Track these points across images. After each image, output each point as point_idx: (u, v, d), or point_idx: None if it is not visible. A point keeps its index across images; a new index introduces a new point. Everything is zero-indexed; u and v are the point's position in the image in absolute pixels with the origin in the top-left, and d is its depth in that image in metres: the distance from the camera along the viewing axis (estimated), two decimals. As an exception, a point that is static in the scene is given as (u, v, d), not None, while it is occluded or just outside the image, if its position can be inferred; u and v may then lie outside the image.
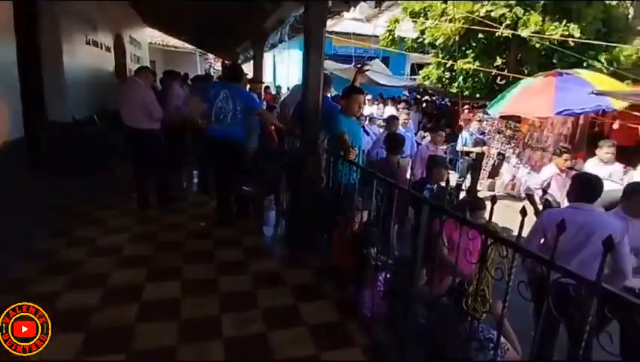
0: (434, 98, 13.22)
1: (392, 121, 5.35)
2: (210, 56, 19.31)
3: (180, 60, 16.12)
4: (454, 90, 9.53)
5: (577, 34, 7.20)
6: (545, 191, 4.50)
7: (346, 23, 16.45)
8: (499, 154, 7.76)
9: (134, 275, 2.90)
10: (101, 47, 7.06)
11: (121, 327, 2.28)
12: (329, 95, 4.46)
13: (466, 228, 1.62)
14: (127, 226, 3.84)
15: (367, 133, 6.21)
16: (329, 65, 13.03)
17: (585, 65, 7.57)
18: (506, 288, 1.34)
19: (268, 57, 18.82)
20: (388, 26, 9.92)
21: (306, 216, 3.42)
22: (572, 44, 7.31)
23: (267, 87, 11.18)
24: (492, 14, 7.56)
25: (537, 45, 7.65)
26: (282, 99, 7.00)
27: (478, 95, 9.35)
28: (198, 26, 7.77)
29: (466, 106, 9.84)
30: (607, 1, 7.93)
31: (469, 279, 1.70)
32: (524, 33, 7.39)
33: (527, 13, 7.42)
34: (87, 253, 3.23)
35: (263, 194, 4.50)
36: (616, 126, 6.03)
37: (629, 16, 8.25)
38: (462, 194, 5.95)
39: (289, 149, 4.15)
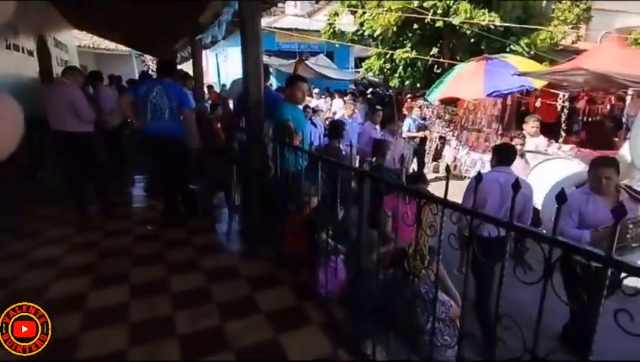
0: (378, 89, 13.65)
1: (374, 112, 5.76)
2: (148, 57, 18.35)
3: (115, 63, 15.16)
4: (396, 80, 9.92)
5: (498, 21, 7.82)
6: None
7: (288, 18, 16.48)
8: (440, 137, 8.22)
9: (75, 285, 2.72)
10: (23, 51, 6.47)
11: (61, 339, 2.13)
12: (270, 85, 4.47)
13: (403, 194, 1.73)
14: (66, 236, 3.59)
15: (315, 125, 6.31)
16: (274, 61, 13.02)
17: (508, 49, 8.26)
18: (438, 241, 1.44)
19: (210, 56, 18.34)
20: (328, 20, 10.08)
21: (257, 207, 3.40)
22: (494, 28, 7.92)
23: (211, 87, 10.88)
24: (425, 4, 7.97)
25: (467, 32, 8.20)
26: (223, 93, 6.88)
27: (418, 84, 9.81)
28: (129, 25, 7.35)
29: (409, 95, 10.30)
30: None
31: (410, 243, 1.80)
32: (455, 21, 7.88)
33: (456, 3, 7.91)
34: (21, 267, 2.98)
35: (212, 191, 4.41)
36: (538, 104, 6.63)
37: (543, 4, 9.16)
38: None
39: (236, 143, 4.09)
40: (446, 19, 7.86)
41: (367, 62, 10.81)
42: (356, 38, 9.90)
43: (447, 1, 7.86)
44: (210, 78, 18.66)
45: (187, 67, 8.42)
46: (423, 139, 7.62)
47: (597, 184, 2.52)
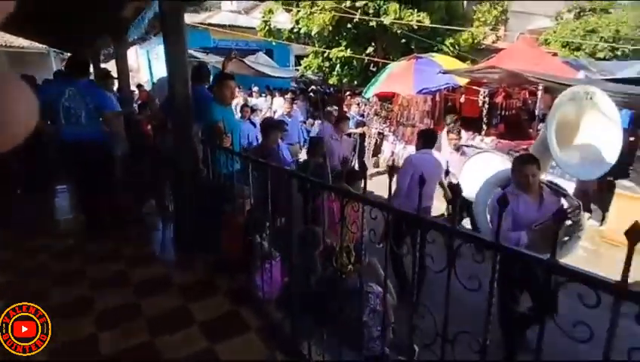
0: (319, 87, 13.78)
1: (330, 112, 5.51)
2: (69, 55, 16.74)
3: (30, 62, 13.64)
4: (334, 78, 10.09)
5: (427, 21, 8.29)
6: (448, 172, 4.64)
7: (225, 15, 15.98)
8: (379, 133, 8.53)
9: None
10: None
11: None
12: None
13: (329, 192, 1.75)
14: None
15: (254, 125, 6.20)
16: (211, 59, 12.53)
17: (436, 49, 8.80)
18: (361, 236, 1.49)
19: (142, 54, 17.22)
20: (263, 17, 9.95)
21: (190, 212, 3.26)
22: (418, 28, 8.40)
23: (140, 86, 10.24)
24: (357, 4, 8.19)
25: (398, 32, 8.58)
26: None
27: (355, 82, 10.07)
28: (45, 20, 6.63)
29: (348, 93, 10.54)
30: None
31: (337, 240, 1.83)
32: (386, 21, 8.19)
33: (386, 3, 8.23)
34: None
35: (142, 198, 4.15)
36: (462, 100, 7.15)
37: (464, 7, 9.91)
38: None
39: (166, 145, 3.88)
40: (376, 19, 8.15)
41: (305, 61, 10.85)
42: (293, 36, 9.90)
43: (378, 2, 8.15)
44: (141, 76, 17.55)
45: (111, 66, 7.80)
46: (362, 136, 7.86)
47: (524, 181, 2.51)
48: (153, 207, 4.23)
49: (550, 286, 0.93)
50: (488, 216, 3.04)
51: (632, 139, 5.38)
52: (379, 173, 7.70)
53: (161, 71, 15.81)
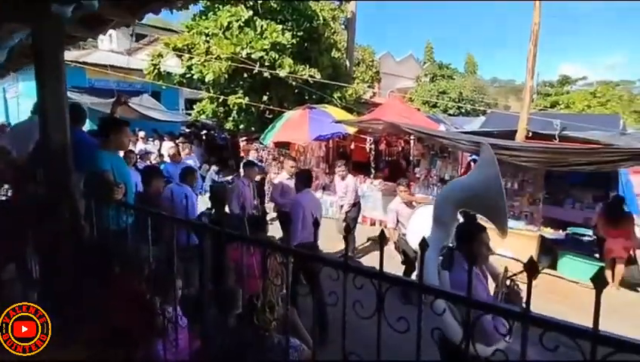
0: (213, 132, 13.52)
1: (251, 167, 5.66)
2: None
3: None
4: (230, 124, 10.10)
5: (318, 76, 9.11)
6: (398, 222, 4.58)
7: (102, 54, 14.77)
8: (278, 178, 8.69)
9: None
10: None
11: None
12: (84, 130, 3.82)
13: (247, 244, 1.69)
14: None
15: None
16: (86, 99, 11.27)
17: (326, 101, 9.65)
18: (287, 289, 1.45)
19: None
20: (151, 60, 9.52)
21: (69, 278, 2.72)
22: (312, 82, 9.22)
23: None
24: (252, 56, 8.53)
25: (293, 84, 9.18)
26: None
27: (252, 128, 10.23)
28: None
29: (244, 138, 10.60)
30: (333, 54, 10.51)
31: (257, 294, 1.76)
32: (281, 73, 8.71)
33: (281, 57, 8.79)
34: None
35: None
36: (352, 147, 7.90)
37: (347, 66, 11.32)
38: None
39: (32, 200, 3.24)
40: (272, 71, 8.61)
41: (199, 105, 10.62)
42: (184, 81, 9.66)
43: (273, 55, 8.66)
44: (-10, 115, 14.70)
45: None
46: (261, 181, 7.87)
47: (485, 253, 1.97)
48: (13, 273, 3.40)
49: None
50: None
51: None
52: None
53: (22, 110, 13.50)
